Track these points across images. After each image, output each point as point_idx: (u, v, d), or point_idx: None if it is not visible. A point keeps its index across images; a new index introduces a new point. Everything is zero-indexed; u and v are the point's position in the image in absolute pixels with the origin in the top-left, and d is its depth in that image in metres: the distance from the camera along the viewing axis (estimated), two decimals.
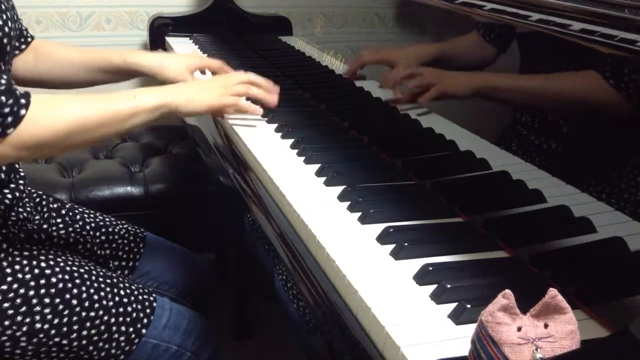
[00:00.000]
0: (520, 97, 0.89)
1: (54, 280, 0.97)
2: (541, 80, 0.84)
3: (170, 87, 1.05)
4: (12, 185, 1.06)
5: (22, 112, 0.85)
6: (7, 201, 1.03)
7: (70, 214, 1.20)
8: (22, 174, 1.10)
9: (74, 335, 0.97)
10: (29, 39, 1.21)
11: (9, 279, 0.94)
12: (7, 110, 0.83)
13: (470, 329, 0.58)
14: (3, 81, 0.85)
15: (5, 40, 0.96)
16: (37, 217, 1.13)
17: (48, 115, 0.88)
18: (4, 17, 0.95)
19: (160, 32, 2.00)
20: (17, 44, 1.17)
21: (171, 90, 1.04)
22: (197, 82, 1.13)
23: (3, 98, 0.83)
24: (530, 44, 0.86)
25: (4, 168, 1.03)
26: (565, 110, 0.81)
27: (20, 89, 0.88)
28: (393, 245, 0.77)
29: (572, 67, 0.80)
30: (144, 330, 1.04)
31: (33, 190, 1.18)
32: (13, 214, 1.04)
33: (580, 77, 0.77)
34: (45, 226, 1.12)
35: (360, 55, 1.28)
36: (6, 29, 0.96)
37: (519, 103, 0.89)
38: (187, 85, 1.11)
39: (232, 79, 1.14)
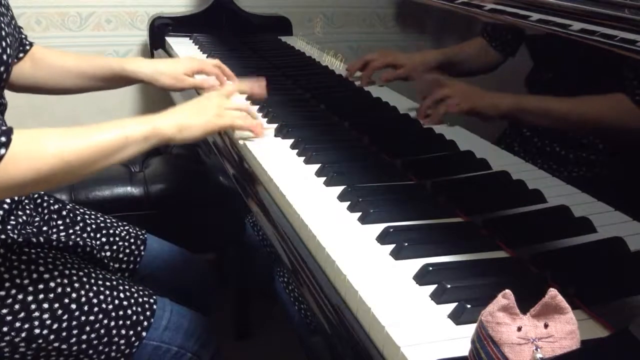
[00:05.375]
0: (549, 120, 0.87)
1: (52, 285, 0.97)
2: (571, 103, 0.83)
3: (160, 114, 0.98)
4: None
5: (2, 151, 0.80)
6: (5, 206, 1.02)
7: (71, 215, 1.20)
8: None
9: (74, 339, 0.97)
10: (28, 47, 1.19)
11: (7, 284, 0.94)
12: None
13: (470, 329, 0.58)
14: None
15: (2, 68, 0.93)
16: (37, 219, 1.12)
17: (30, 154, 0.83)
18: (3, 44, 0.92)
19: (160, 32, 2.00)
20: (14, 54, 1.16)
21: (161, 119, 0.97)
22: (190, 105, 1.04)
23: None
24: (539, 49, 0.86)
25: None
26: (593, 133, 0.80)
27: (3, 127, 0.82)
28: (393, 245, 0.77)
29: (583, 72, 0.80)
30: (144, 333, 1.03)
31: (35, 191, 1.18)
32: (12, 217, 1.04)
33: (609, 100, 0.76)
34: (45, 228, 1.12)
35: (369, 61, 1.28)
36: (4, 56, 0.92)
37: (547, 125, 0.87)
38: (178, 110, 1.02)
39: (226, 102, 1.08)
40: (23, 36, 1.19)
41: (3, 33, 0.93)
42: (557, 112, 0.85)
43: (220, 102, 1.06)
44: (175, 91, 1.33)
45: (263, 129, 1.13)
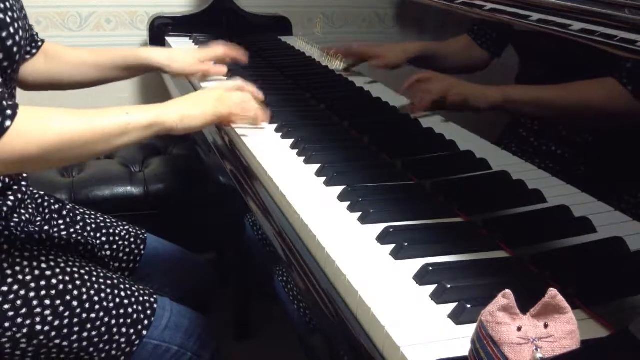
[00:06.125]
0: (540, 109, 0.88)
1: (54, 281, 0.97)
2: (560, 90, 0.83)
3: (163, 104, 1.01)
4: (15, 187, 1.06)
5: (7, 123, 0.82)
6: (9, 203, 1.03)
7: (71, 214, 1.20)
8: (24, 175, 1.10)
9: (75, 336, 0.97)
10: (40, 43, 1.21)
11: (10, 280, 0.94)
12: None
13: (470, 329, 0.58)
14: None
15: (15, 49, 0.94)
16: (38, 219, 1.13)
17: (34, 129, 0.85)
18: (15, 26, 0.94)
19: (160, 32, 2.00)
20: (27, 49, 1.17)
21: (164, 108, 1.00)
22: (190, 97, 1.07)
23: None
24: (527, 47, 0.86)
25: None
26: (585, 120, 0.80)
27: (10, 101, 0.85)
28: (393, 245, 0.77)
29: (573, 69, 0.80)
30: (144, 332, 1.04)
31: (35, 191, 1.18)
32: (15, 215, 1.04)
33: (598, 85, 0.77)
34: (46, 227, 1.12)
35: (347, 48, 1.29)
36: (17, 37, 0.94)
37: (539, 115, 0.88)
38: (180, 101, 1.05)
39: (228, 92, 1.11)
40: (34, 33, 1.20)
41: (15, 15, 0.95)
42: (546, 99, 0.85)
43: (220, 94, 1.09)
44: (186, 75, 1.36)
45: (263, 118, 1.15)
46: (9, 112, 0.82)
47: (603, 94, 0.75)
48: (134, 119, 0.94)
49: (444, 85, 1.02)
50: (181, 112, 1.00)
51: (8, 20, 0.92)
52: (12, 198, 1.04)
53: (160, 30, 2.00)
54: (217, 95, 1.08)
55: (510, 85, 0.91)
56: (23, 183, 1.08)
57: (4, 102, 0.83)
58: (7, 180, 1.03)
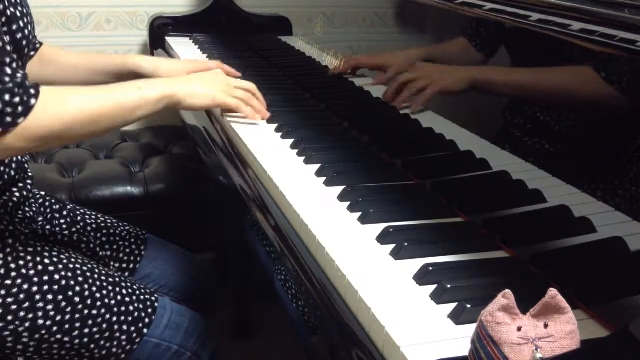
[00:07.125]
0: (514, 90, 0.89)
1: (57, 277, 0.98)
2: (535, 73, 0.85)
3: (173, 79, 1.06)
4: (21, 184, 1.07)
5: (32, 102, 0.85)
6: (15, 199, 1.04)
7: (72, 214, 1.20)
8: (30, 174, 1.10)
9: (76, 332, 0.98)
10: (37, 45, 1.22)
11: (14, 274, 0.95)
12: (17, 100, 0.84)
13: (470, 329, 0.58)
14: (19, 75, 0.86)
15: (24, 42, 0.97)
16: (40, 219, 1.13)
17: (57, 105, 0.89)
18: (25, 20, 0.97)
19: (160, 32, 2.00)
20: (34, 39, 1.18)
21: (174, 82, 1.05)
22: (199, 75, 1.13)
23: (15, 89, 0.84)
24: (518, 48, 0.87)
25: (13, 166, 1.04)
26: (559, 104, 0.81)
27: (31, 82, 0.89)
28: (393, 245, 0.77)
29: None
30: (145, 330, 1.04)
31: (36, 192, 1.19)
32: (20, 212, 1.05)
33: (573, 70, 0.77)
34: (48, 227, 1.12)
35: (353, 58, 1.30)
36: (26, 31, 0.97)
37: (513, 96, 0.89)
38: (189, 78, 1.11)
39: (234, 81, 1.16)
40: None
41: (25, 11, 0.97)
42: (524, 80, 0.86)
43: (228, 81, 1.14)
44: None
45: (263, 114, 1.18)
46: (32, 91, 0.86)
47: (576, 78, 0.77)
48: (146, 93, 0.98)
49: (426, 77, 1.04)
50: (191, 89, 1.05)
51: (18, 14, 0.95)
52: (17, 194, 1.05)
53: (160, 30, 2.00)
54: (227, 81, 1.13)
55: (484, 66, 0.93)
56: (29, 181, 1.09)
57: (27, 82, 0.87)
58: (13, 173, 1.04)
